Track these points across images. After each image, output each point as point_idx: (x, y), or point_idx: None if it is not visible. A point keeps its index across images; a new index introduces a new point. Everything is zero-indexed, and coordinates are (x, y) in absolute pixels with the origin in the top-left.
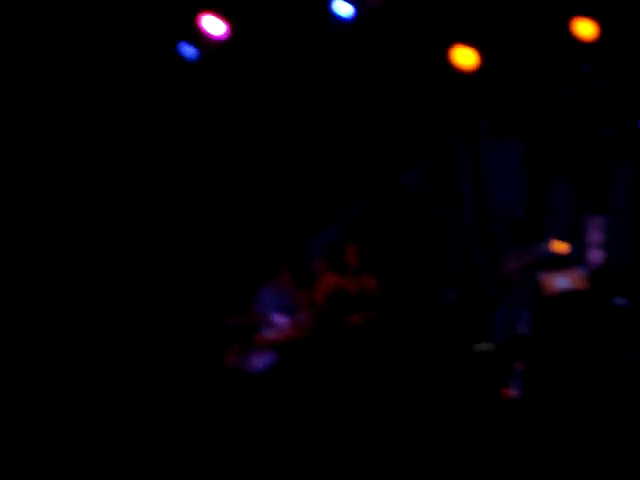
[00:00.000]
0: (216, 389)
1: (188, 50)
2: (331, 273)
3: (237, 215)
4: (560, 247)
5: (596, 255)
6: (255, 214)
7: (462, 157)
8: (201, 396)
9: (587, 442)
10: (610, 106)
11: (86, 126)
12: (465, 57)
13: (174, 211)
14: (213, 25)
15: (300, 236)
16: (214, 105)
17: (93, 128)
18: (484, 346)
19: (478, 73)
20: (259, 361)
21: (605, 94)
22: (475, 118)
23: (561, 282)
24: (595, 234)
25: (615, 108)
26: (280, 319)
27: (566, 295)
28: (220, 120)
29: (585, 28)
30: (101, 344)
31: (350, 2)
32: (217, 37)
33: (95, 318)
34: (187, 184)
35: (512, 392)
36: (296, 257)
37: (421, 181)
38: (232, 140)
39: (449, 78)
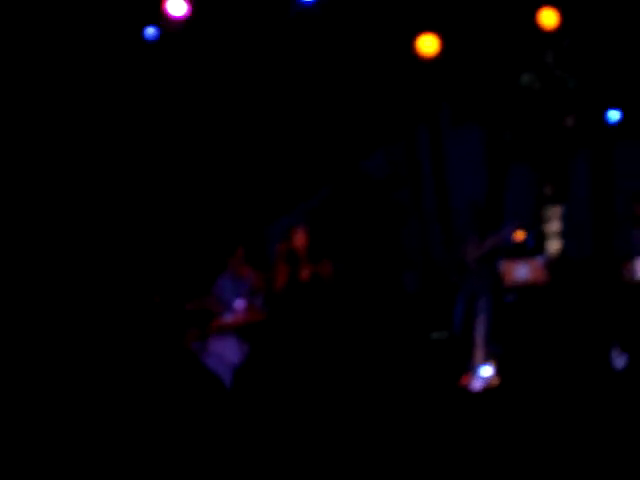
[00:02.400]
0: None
1: (150, 31)
2: (286, 259)
3: (195, 200)
4: (520, 236)
5: (555, 244)
6: (214, 199)
7: (424, 145)
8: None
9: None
10: (571, 97)
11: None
12: (427, 44)
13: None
14: (175, 5)
15: (259, 221)
16: (175, 86)
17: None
18: (441, 334)
19: (440, 60)
20: (218, 345)
21: (567, 85)
22: (437, 104)
23: (521, 271)
24: (554, 224)
25: (576, 99)
26: (239, 303)
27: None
28: (180, 102)
29: (548, 17)
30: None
31: None
32: (179, 17)
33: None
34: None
35: (471, 381)
36: (255, 242)
37: (383, 168)
38: (192, 122)
39: (411, 64)
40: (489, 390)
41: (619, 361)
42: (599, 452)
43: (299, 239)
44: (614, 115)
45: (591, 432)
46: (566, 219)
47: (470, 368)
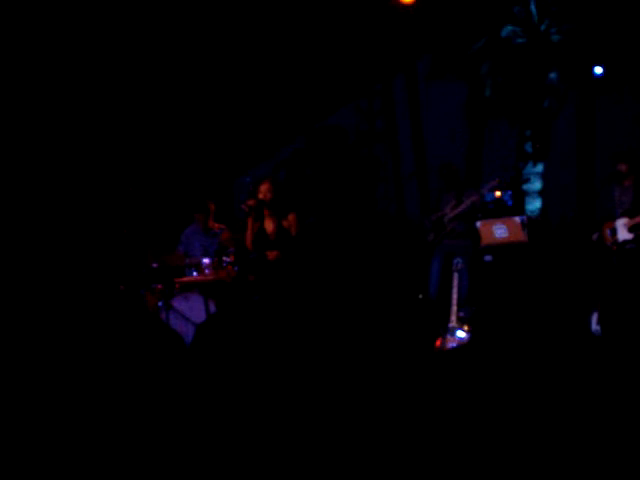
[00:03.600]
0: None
1: None
2: (254, 213)
3: (164, 153)
4: (499, 195)
5: (535, 204)
6: (181, 153)
7: (401, 99)
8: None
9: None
10: (556, 51)
11: None
12: None
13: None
14: None
15: (228, 174)
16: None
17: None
18: (417, 295)
19: (418, 8)
20: (183, 303)
21: (551, 40)
22: (414, 56)
23: (499, 231)
24: (535, 182)
25: (561, 54)
26: (205, 260)
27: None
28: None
29: None
30: None
31: None
32: None
33: None
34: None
35: (446, 343)
36: (223, 196)
37: (360, 122)
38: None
39: (389, 12)
40: (464, 351)
41: (598, 325)
42: (571, 412)
43: (264, 192)
44: (598, 70)
45: (564, 393)
46: (546, 178)
47: (445, 330)
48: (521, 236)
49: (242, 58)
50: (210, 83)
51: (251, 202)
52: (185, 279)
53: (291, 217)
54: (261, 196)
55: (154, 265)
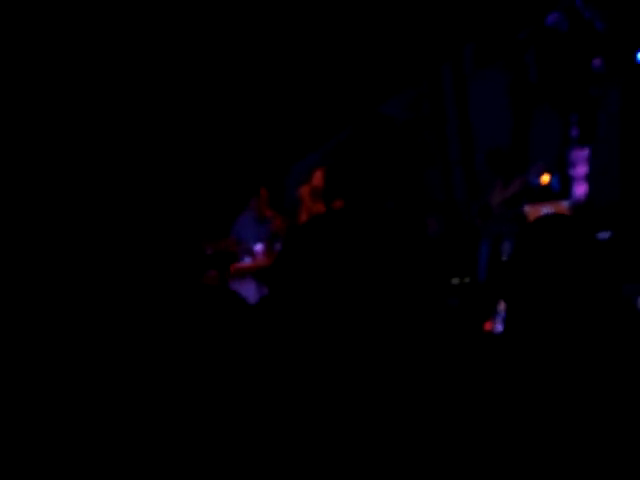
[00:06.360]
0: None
1: None
2: (307, 200)
3: (215, 142)
4: (545, 179)
5: (581, 188)
6: (235, 140)
7: (448, 86)
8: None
9: (569, 377)
10: (600, 39)
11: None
12: None
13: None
14: None
15: (280, 163)
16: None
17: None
18: (465, 279)
19: None
20: (237, 289)
21: (595, 27)
22: (461, 45)
23: None
24: (581, 167)
25: (605, 41)
26: (258, 247)
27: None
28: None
29: None
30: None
31: None
32: None
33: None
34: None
35: (495, 326)
36: (276, 184)
37: (406, 110)
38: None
39: (435, 2)
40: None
41: None
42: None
43: (316, 180)
44: None
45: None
46: (592, 162)
47: (495, 313)
48: None
49: (290, 50)
50: (260, 77)
51: (305, 189)
52: (239, 265)
53: (339, 204)
54: (313, 184)
55: (208, 252)
